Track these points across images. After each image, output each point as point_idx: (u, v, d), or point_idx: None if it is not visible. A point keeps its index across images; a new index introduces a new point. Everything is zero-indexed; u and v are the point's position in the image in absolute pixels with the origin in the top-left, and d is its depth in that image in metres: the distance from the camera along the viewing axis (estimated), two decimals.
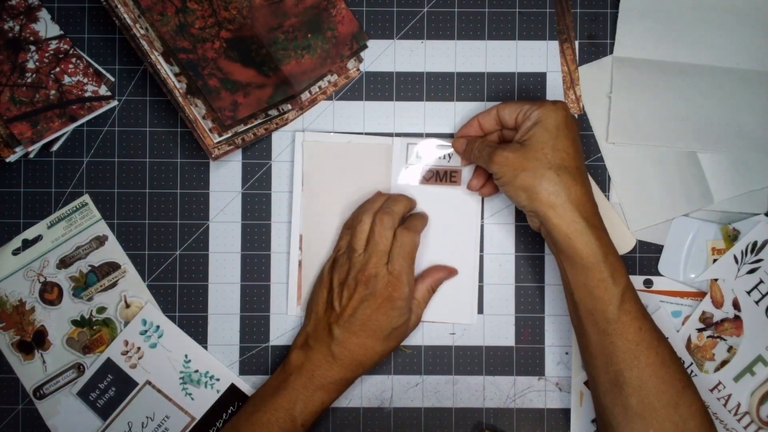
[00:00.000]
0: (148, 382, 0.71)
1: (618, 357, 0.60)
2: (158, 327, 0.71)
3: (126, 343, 0.71)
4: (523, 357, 0.72)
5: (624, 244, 0.72)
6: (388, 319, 0.65)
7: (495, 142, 0.67)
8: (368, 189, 0.71)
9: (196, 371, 0.71)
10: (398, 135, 0.72)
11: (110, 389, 0.70)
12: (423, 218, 0.70)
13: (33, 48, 0.69)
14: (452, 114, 0.72)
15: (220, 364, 0.71)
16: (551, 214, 0.61)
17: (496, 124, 0.67)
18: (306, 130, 0.72)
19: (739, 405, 0.70)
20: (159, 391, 0.71)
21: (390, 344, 0.66)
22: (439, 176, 0.71)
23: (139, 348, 0.71)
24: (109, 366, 0.70)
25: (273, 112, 0.70)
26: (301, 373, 0.65)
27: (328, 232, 0.71)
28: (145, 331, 0.71)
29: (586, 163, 0.72)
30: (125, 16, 0.66)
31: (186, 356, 0.71)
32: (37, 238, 0.71)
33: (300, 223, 0.71)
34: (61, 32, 0.70)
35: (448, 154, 0.71)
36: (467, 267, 0.71)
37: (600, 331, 0.61)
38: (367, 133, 0.72)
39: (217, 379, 0.71)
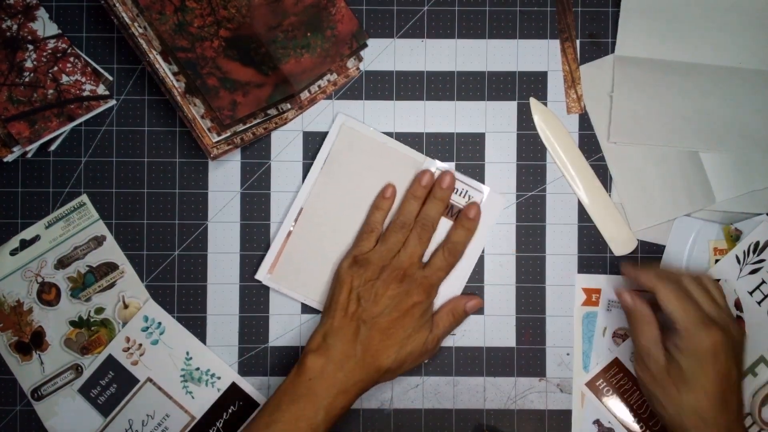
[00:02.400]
0: (149, 380, 0.70)
1: None
2: (160, 323, 0.71)
3: (127, 339, 0.71)
4: (524, 358, 0.71)
5: (625, 245, 0.71)
6: (413, 321, 0.65)
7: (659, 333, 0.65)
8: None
9: (197, 369, 0.71)
10: (431, 153, 0.71)
11: (111, 386, 0.70)
12: (470, 234, 0.70)
13: (31, 47, 0.69)
14: (452, 113, 0.72)
15: (221, 361, 0.71)
16: None
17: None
18: (345, 114, 0.71)
19: None
20: (160, 388, 0.71)
21: (405, 351, 0.65)
22: (451, 212, 0.70)
23: (140, 345, 0.71)
24: (110, 363, 0.70)
25: (272, 112, 0.69)
26: (323, 377, 0.63)
27: (329, 216, 0.70)
28: (147, 328, 0.71)
29: (588, 163, 0.71)
30: (123, 14, 0.66)
31: (187, 353, 0.71)
32: (35, 239, 0.71)
33: (305, 197, 0.71)
34: (59, 31, 0.70)
35: (469, 194, 0.71)
36: (456, 284, 0.71)
37: None
38: (401, 140, 0.71)
39: (218, 378, 0.71)
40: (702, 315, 0.63)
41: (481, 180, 0.71)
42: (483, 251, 0.71)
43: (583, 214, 0.72)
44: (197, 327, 0.71)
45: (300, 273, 0.70)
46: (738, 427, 0.63)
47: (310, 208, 0.71)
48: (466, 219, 0.69)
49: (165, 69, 0.67)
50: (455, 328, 0.70)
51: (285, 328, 0.71)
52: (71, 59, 0.70)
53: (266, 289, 0.71)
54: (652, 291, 0.64)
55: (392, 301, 0.65)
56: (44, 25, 0.70)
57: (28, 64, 0.69)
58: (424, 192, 0.69)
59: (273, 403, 0.63)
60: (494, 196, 0.71)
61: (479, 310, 0.71)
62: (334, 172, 0.71)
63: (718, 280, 0.70)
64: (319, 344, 0.65)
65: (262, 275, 0.71)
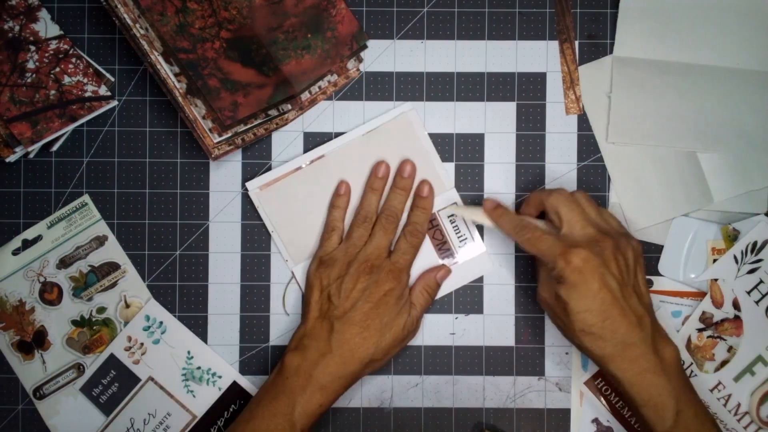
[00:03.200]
0: (151, 378, 0.71)
1: None
2: (161, 323, 0.71)
3: (129, 338, 0.71)
4: (523, 357, 0.72)
5: None
6: (387, 308, 0.66)
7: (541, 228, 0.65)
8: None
9: (199, 368, 0.71)
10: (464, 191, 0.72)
11: (113, 385, 0.71)
12: (427, 214, 0.70)
13: (33, 48, 0.69)
14: (452, 114, 0.72)
15: (222, 360, 0.71)
16: (587, 346, 0.62)
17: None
18: (413, 105, 0.72)
19: (739, 405, 0.70)
20: (161, 387, 0.71)
21: (386, 339, 0.66)
22: (442, 247, 0.71)
23: (142, 344, 0.71)
24: (112, 362, 0.71)
25: (273, 112, 0.70)
26: (298, 374, 0.64)
27: (340, 178, 0.71)
28: (148, 327, 0.71)
29: (586, 164, 0.72)
30: (125, 16, 0.66)
31: (189, 353, 0.71)
32: (37, 238, 0.71)
33: (333, 149, 0.71)
34: (61, 32, 0.70)
35: (467, 240, 0.71)
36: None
37: None
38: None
39: (219, 377, 0.71)
40: (584, 214, 0.63)
41: (481, 180, 0.72)
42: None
43: None
44: (198, 326, 0.72)
45: (284, 206, 0.71)
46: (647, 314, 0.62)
47: (330, 160, 0.71)
48: (420, 198, 0.70)
49: (166, 70, 0.67)
50: (432, 301, 0.70)
51: (285, 327, 0.72)
52: (73, 60, 0.70)
53: (266, 288, 0.72)
54: (542, 202, 0.65)
55: (363, 294, 0.65)
56: (46, 26, 0.70)
57: (30, 65, 0.69)
58: (381, 184, 0.70)
59: (254, 401, 0.65)
60: (484, 257, 0.71)
61: (478, 309, 0.72)
62: (368, 145, 0.71)
63: (716, 280, 0.70)
64: (297, 344, 0.66)
65: (252, 186, 0.71)
